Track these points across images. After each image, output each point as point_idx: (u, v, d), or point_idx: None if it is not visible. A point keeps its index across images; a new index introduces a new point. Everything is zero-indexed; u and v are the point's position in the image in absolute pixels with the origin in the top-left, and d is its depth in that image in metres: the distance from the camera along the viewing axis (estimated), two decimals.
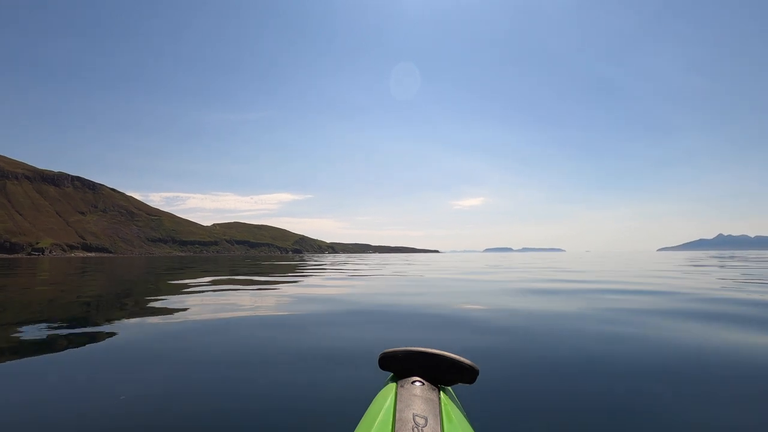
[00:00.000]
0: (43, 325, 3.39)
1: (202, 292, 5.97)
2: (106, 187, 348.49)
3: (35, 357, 2.38)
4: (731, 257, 28.76)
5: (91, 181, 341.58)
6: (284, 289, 6.41)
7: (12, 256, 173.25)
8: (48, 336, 2.97)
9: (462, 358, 0.83)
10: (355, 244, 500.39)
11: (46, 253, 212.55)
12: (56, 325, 3.40)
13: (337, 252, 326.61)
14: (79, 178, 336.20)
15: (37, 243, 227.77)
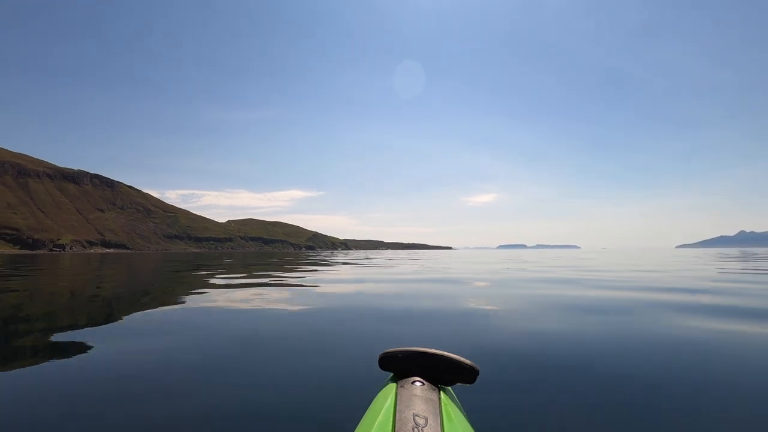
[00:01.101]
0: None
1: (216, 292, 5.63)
2: (124, 184, 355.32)
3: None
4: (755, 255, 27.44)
5: (110, 179, 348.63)
6: None
7: (34, 252, 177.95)
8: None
9: (462, 358, 0.83)
10: (369, 240, 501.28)
11: (66, 249, 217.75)
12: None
13: (350, 249, 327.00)
14: (97, 176, 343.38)
15: (58, 239, 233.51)
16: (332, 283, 7.08)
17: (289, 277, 8.57)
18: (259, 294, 5.32)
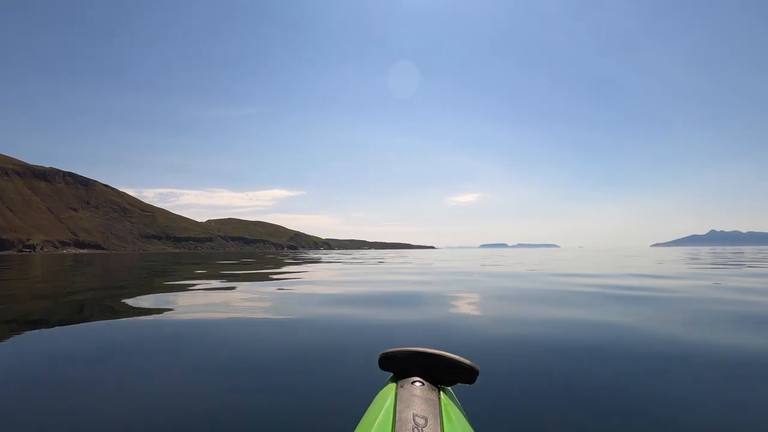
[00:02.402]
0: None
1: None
2: (99, 182, 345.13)
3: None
4: (736, 253, 28.37)
5: (84, 177, 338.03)
6: None
7: (2, 252, 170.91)
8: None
9: (462, 359, 0.83)
10: (351, 240, 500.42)
11: (37, 249, 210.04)
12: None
13: (332, 248, 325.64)
14: (71, 174, 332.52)
15: (29, 240, 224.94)
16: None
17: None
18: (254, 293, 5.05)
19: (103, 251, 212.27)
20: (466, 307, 4.14)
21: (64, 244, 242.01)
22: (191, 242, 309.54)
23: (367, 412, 0.76)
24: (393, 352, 0.87)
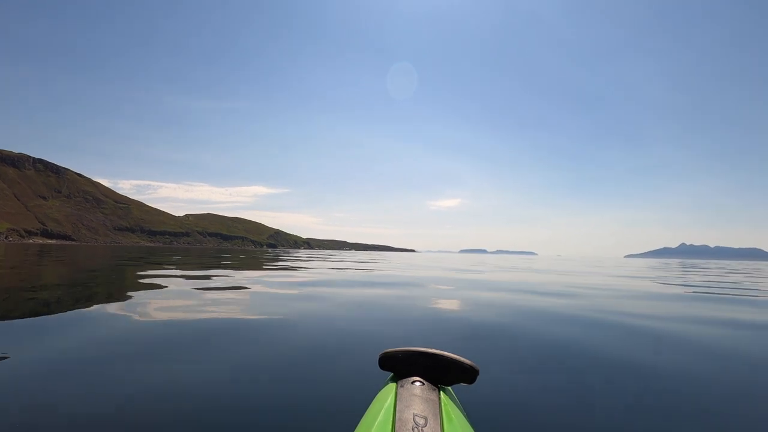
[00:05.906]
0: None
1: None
2: (71, 171, 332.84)
3: None
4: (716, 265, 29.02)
5: (55, 165, 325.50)
6: None
7: None
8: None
9: (462, 358, 0.83)
10: (332, 240, 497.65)
11: (1, 238, 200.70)
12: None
13: (313, 248, 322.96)
14: (41, 161, 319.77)
15: None
16: None
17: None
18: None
19: (73, 242, 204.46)
20: (467, 307, 4.06)
21: (30, 233, 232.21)
22: (167, 236, 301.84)
23: (367, 411, 0.75)
24: (393, 351, 0.87)
